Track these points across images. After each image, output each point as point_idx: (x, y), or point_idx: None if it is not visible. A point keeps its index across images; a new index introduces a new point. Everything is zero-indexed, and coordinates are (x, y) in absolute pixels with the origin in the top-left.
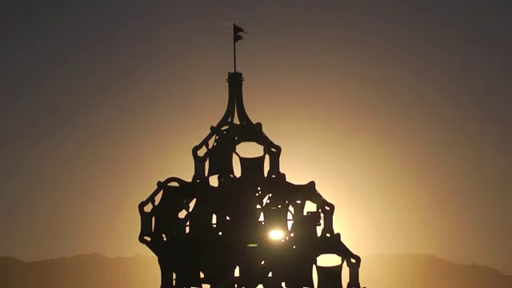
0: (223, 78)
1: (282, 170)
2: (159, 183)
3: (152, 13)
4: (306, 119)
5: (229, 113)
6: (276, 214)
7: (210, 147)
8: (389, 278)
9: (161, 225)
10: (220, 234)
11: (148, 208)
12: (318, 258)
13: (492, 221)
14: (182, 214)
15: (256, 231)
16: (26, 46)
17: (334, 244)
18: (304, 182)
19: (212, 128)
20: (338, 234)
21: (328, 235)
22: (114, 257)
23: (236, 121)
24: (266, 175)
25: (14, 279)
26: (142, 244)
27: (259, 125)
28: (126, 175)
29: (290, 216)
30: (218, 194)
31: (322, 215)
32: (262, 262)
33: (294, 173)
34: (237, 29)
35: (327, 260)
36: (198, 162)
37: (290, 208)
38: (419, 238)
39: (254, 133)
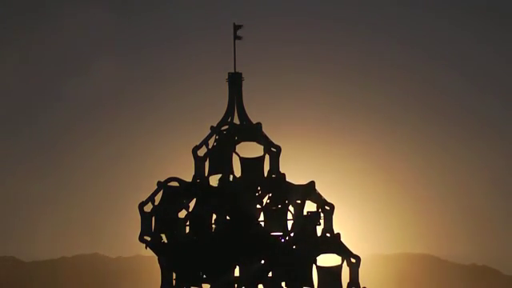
0: (223, 77)
1: (282, 170)
2: (159, 183)
3: (152, 13)
4: (306, 119)
5: (229, 113)
6: (276, 214)
7: (210, 147)
8: (389, 278)
9: (161, 225)
10: (220, 233)
11: (148, 208)
12: (318, 258)
13: (492, 220)
14: (182, 214)
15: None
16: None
17: (334, 244)
18: (304, 181)
19: (212, 128)
20: (338, 234)
21: (328, 235)
22: (114, 257)
23: (236, 121)
24: (265, 175)
25: (14, 279)
26: (142, 244)
27: (259, 125)
28: (126, 175)
29: (290, 216)
30: (218, 193)
31: (322, 215)
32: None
33: (294, 173)
34: (237, 28)
35: (327, 260)
36: (198, 161)
37: (290, 208)
38: (419, 238)
39: (253, 133)
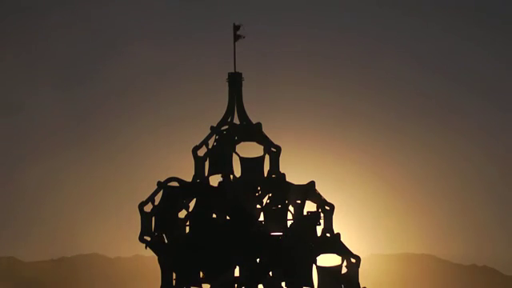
0: (223, 78)
1: (282, 170)
2: (159, 183)
3: (151, 12)
4: (306, 119)
5: (229, 113)
6: (276, 214)
7: (209, 147)
8: (389, 278)
9: (161, 225)
10: (220, 233)
11: (148, 208)
12: (317, 258)
13: (492, 220)
14: (182, 214)
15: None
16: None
17: (333, 244)
18: (304, 182)
19: (212, 128)
20: (338, 234)
21: (328, 235)
22: (114, 257)
23: (236, 121)
24: (265, 175)
25: (14, 279)
26: (141, 244)
27: (259, 125)
28: (126, 175)
29: (290, 216)
30: (218, 193)
31: (321, 215)
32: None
33: (294, 173)
34: (237, 28)
35: (327, 260)
36: (198, 162)
37: (290, 208)
38: (419, 238)
39: (253, 133)
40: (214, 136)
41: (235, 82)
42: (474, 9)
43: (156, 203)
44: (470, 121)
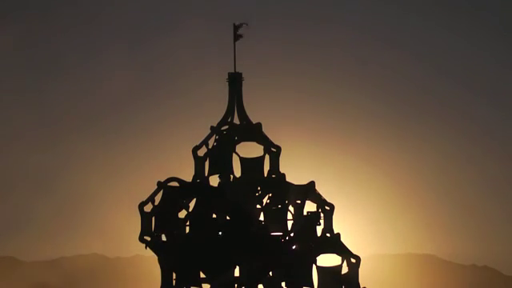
0: (223, 77)
1: (282, 170)
2: (159, 183)
3: (151, 12)
4: (306, 119)
5: (229, 113)
6: (276, 214)
7: (209, 147)
8: (389, 277)
9: (161, 225)
10: (220, 233)
11: (148, 208)
12: (318, 258)
13: (493, 221)
14: (182, 214)
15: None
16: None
17: (334, 244)
18: (304, 182)
19: (212, 128)
20: (338, 234)
21: (328, 235)
22: (114, 257)
23: (236, 121)
24: (265, 175)
25: (14, 279)
26: (141, 244)
27: (259, 125)
28: (126, 175)
29: (290, 216)
30: (218, 193)
31: (322, 215)
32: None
33: (294, 173)
34: (237, 28)
35: (327, 260)
36: (198, 161)
37: (290, 208)
38: (419, 238)
39: (254, 133)
40: (214, 136)
41: (235, 81)
42: (475, 8)
43: (156, 203)
44: (473, 120)
